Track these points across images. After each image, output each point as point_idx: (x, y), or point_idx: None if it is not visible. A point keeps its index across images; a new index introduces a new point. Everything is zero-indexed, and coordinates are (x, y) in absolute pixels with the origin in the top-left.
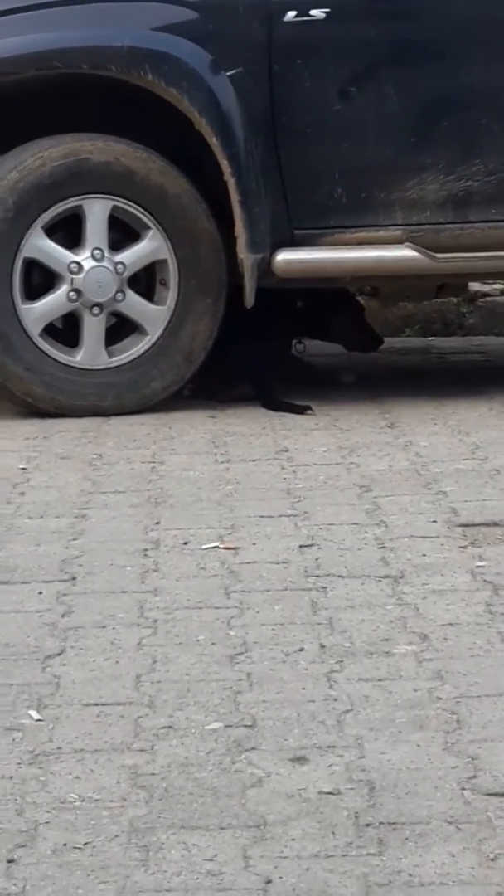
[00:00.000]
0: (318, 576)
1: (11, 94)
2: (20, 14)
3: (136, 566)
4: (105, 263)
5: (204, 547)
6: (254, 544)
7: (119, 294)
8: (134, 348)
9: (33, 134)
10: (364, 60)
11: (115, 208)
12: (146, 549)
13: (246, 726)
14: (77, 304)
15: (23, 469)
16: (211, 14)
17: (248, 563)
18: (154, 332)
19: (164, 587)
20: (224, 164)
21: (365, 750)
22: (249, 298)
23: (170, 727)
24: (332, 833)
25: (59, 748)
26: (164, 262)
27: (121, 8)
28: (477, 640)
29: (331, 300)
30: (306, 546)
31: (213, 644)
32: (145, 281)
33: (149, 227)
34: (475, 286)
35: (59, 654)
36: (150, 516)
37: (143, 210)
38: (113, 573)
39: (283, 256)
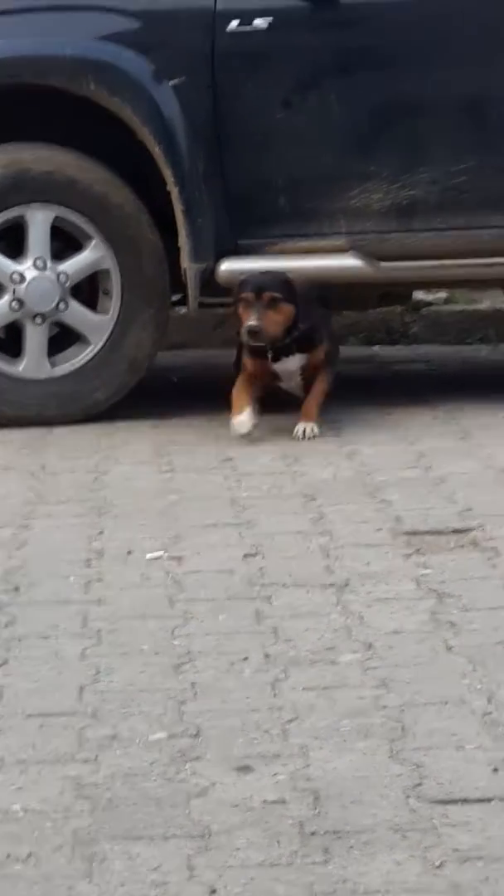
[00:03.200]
0: (262, 585)
1: None
2: None
3: (79, 576)
4: (47, 273)
5: (148, 557)
6: (198, 554)
7: (62, 304)
8: (77, 358)
9: None
10: (307, 70)
11: (57, 218)
12: (90, 559)
13: (190, 736)
14: (19, 313)
15: None
16: (154, 23)
17: (192, 572)
18: (97, 342)
19: (108, 597)
20: (167, 173)
21: (310, 758)
22: (193, 307)
23: (113, 737)
24: (278, 842)
25: (2, 758)
26: (106, 271)
27: (64, 17)
28: (421, 649)
29: None
30: (251, 555)
31: (157, 654)
32: (88, 290)
33: (91, 237)
34: (419, 295)
35: (2, 665)
36: (93, 526)
37: (85, 219)
38: (56, 583)
39: (227, 266)
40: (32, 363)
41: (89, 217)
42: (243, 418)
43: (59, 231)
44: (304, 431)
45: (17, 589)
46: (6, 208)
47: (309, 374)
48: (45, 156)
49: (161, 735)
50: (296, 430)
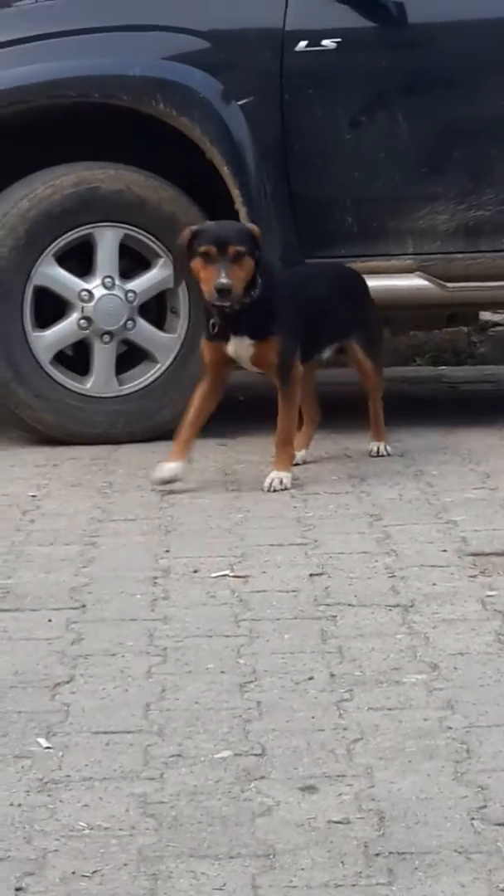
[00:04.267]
0: (328, 604)
1: (25, 123)
2: (34, 43)
3: (145, 594)
4: (116, 291)
5: (214, 575)
6: (264, 573)
7: (129, 322)
8: (144, 376)
9: (45, 162)
10: (375, 90)
11: (126, 236)
12: (156, 577)
13: (255, 755)
14: (88, 331)
15: (33, 496)
16: (223, 43)
17: (257, 591)
18: (164, 360)
19: (174, 615)
20: (235, 192)
21: (375, 779)
22: None
23: (179, 755)
24: (342, 862)
25: (68, 776)
26: (174, 290)
27: (133, 37)
28: (487, 670)
29: None
30: (316, 575)
31: (222, 672)
32: (156, 309)
33: (160, 256)
34: (486, 316)
35: (68, 682)
36: (160, 544)
37: (153, 238)
38: (123, 601)
39: None
40: (100, 381)
41: (158, 236)
42: (170, 464)
43: (127, 249)
44: (271, 483)
45: (83, 606)
46: (76, 227)
47: (265, 369)
48: (114, 175)
49: (226, 753)
50: (266, 482)
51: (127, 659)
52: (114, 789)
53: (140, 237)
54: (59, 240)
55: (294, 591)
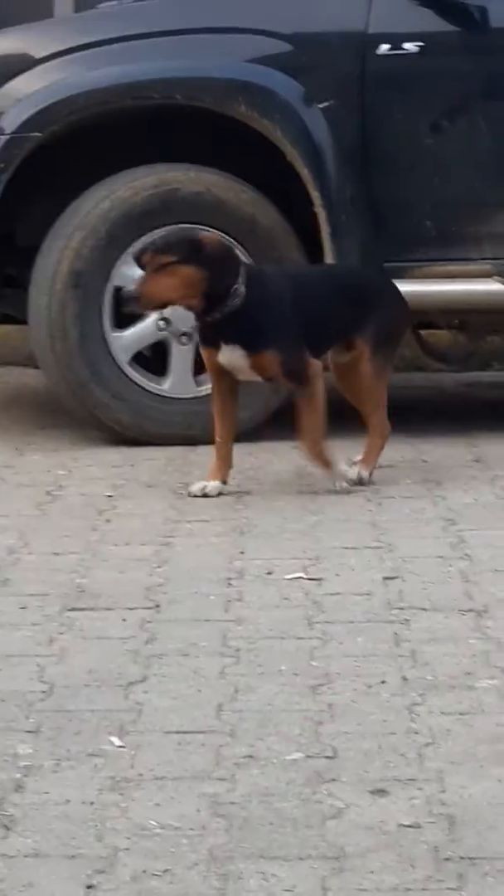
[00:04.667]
0: (401, 608)
1: (107, 124)
2: (118, 44)
3: (219, 595)
4: None
5: (288, 577)
6: (337, 575)
7: None
8: None
9: (126, 163)
10: (456, 94)
11: None
12: (230, 579)
13: (327, 757)
14: (166, 332)
15: (109, 496)
16: (304, 46)
17: (331, 594)
18: None
19: (248, 616)
20: (315, 195)
21: (446, 784)
22: None
23: (250, 756)
24: (412, 866)
25: (140, 775)
26: None
27: (216, 40)
28: None
29: None
30: (390, 578)
31: (295, 674)
32: None
33: None
34: None
35: (141, 682)
36: (234, 545)
37: (233, 240)
38: (197, 601)
39: None
40: (178, 382)
41: (237, 238)
42: (210, 483)
43: None
44: (351, 479)
45: (157, 606)
46: (156, 228)
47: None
48: (194, 177)
49: (297, 755)
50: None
51: (200, 659)
52: (185, 789)
53: None
54: (139, 240)
55: (367, 594)
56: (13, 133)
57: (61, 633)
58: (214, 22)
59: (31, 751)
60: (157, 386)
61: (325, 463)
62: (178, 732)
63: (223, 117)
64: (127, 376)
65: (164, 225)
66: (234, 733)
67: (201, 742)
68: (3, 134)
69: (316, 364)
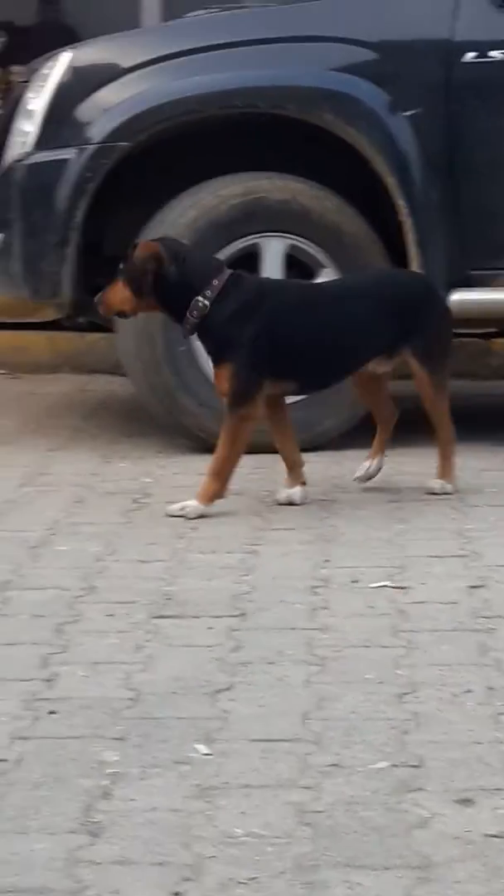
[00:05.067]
0: (487, 617)
1: (193, 133)
2: (204, 53)
3: (305, 603)
4: None
5: (373, 585)
6: (423, 584)
7: None
8: None
9: (212, 172)
10: None
11: (291, 247)
12: (316, 587)
13: (412, 766)
14: None
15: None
16: (390, 55)
17: (417, 602)
18: None
19: (333, 625)
20: (400, 203)
21: None
22: None
23: (336, 765)
24: (498, 876)
25: (226, 783)
26: None
27: (301, 48)
28: None
29: None
30: (475, 587)
31: (380, 683)
32: None
33: (324, 266)
34: None
35: (227, 689)
36: (320, 553)
37: (319, 248)
38: (282, 609)
39: (459, 297)
40: None
41: (323, 246)
42: (291, 490)
43: (292, 259)
44: (175, 510)
45: (243, 614)
46: (242, 237)
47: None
48: (280, 185)
49: (383, 764)
50: (173, 507)
51: (286, 667)
52: (271, 797)
53: (305, 247)
54: (225, 249)
55: (453, 602)
56: (100, 143)
57: (148, 641)
58: (300, 31)
59: (117, 758)
60: None
61: (208, 492)
62: (263, 740)
63: (309, 126)
64: (214, 385)
65: (250, 234)
66: (319, 742)
67: (287, 750)
68: (90, 143)
69: (258, 404)
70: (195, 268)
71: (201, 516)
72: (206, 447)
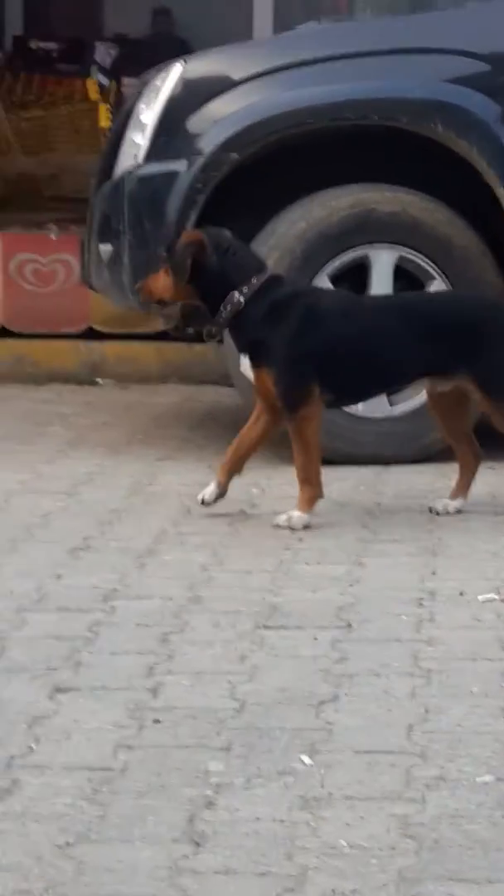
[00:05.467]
0: None
1: (305, 144)
2: (315, 66)
3: (411, 615)
4: None
5: (480, 598)
6: None
7: None
8: (416, 397)
9: (323, 183)
10: None
11: (400, 258)
12: (422, 599)
13: None
14: None
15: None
16: (502, 66)
17: None
18: None
19: (439, 637)
20: None
21: None
22: None
23: (441, 778)
24: None
25: (330, 794)
26: None
27: (411, 60)
28: None
29: None
30: None
31: (486, 696)
32: None
33: (434, 278)
34: None
35: (332, 701)
36: (426, 566)
37: (428, 260)
38: (388, 621)
39: None
40: (371, 402)
41: (432, 258)
42: (210, 487)
43: (400, 271)
44: (280, 521)
45: (349, 626)
46: (351, 248)
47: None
48: (390, 197)
49: (488, 778)
50: (278, 518)
51: (391, 679)
52: (375, 809)
53: (415, 259)
54: (335, 260)
55: None
56: (211, 154)
57: (253, 651)
58: (411, 42)
59: (222, 768)
60: (350, 406)
61: (306, 499)
62: (368, 752)
63: (421, 137)
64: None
65: (360, 245)
66: (424, 754)
67: (391, 762)
68: (201, 155)
69: (315, 405)
70: (237, 262)
71: (307, 526)
72: (341, 457)
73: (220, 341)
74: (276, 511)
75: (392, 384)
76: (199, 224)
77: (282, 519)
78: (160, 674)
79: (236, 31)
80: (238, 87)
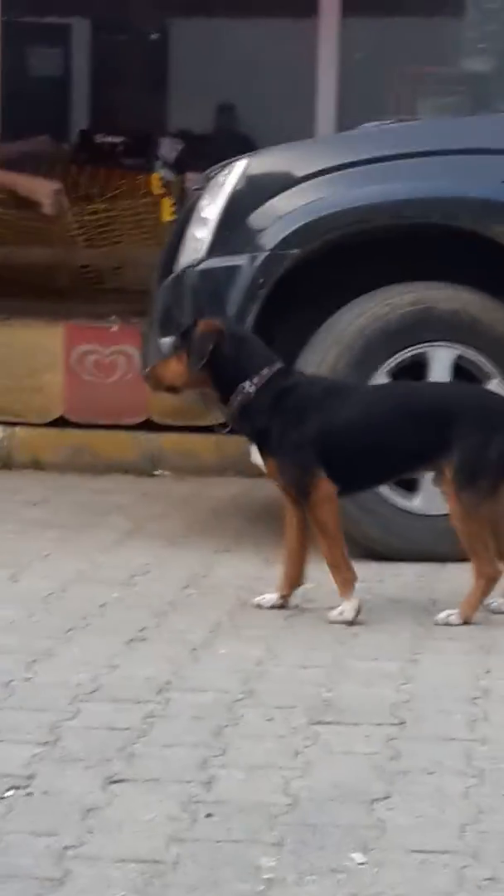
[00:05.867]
0: None
1: (365, 242)
2: (378, 164)
3: (464, 714)
4: None
5: None
6: None
7: None
8: None
9: (381, 281)
10: None
11: (459, 356)
12: (476, 698)
13: None
14: None
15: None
16: None
17: None
18: None
19: (493, 737)
20: None
21: None
22: None
23: (493, 879)
24: None
25: (382, 892)
26: None
27: (472, 160)
28: None
29: None
30: None
31: None
32: None
33: (492, 377)
34: None
35: (385, 798)
36: (480, 664)
37: (487, 358)
38: (442, 719)
39: None
40: (428, 498)
41: (491, 357)
42: (271, 596)
43: (458, 368)
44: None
45: (403, 723)
46: (411, 346)
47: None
48: (450, 295)
49: None
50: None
51: (444, 778)
52: None
53: (473, 357)
54: (394, 357)
55: None
56: (273, 250)
57: (307, 747)
58: (471, 143)
59: (273, 863)
60: (407, 502)
61: (344, 583)
62: (420, 851)
63: (481, 237)
64: (378, 492)
65: (419, 343)
66: (477, 855)
67: (444, 862)
68: (263, 251)
69: (324, 487)
70: (250, 353)
71: (358, 612)
72: (369, 553)
73: (231, 431)
74: (331, 606)
75: (392, 474)
76: (259, 317)
77: (334, 614)
78: (213, 767)
79: (299, 129)
80: (301, 184)
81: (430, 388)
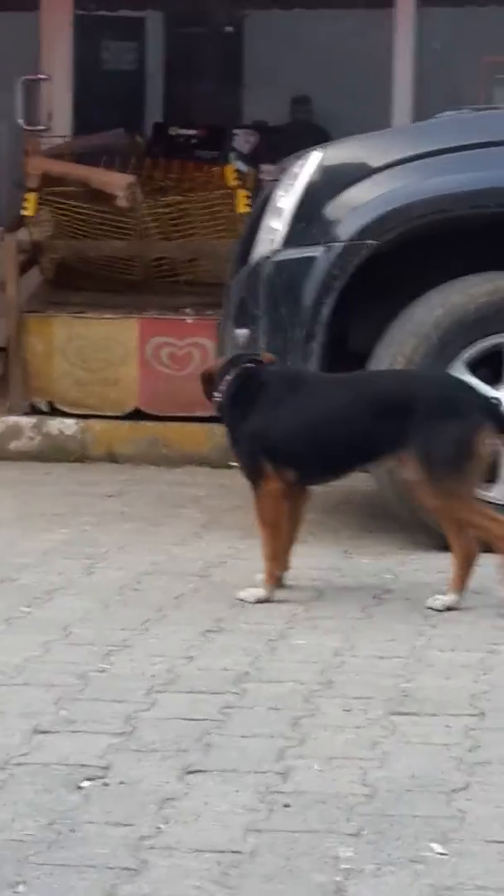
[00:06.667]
0: None
1: (443, 231)
2: (455, 154)
3: None
4: None
5: None
6: None
7: None
8: None
9: (461, 270)
10: None
11: None
12: None
13: None
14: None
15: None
16: None
17: None
18: None
19: None
20: None
21: None
22: None
23: None
24: None
25: (461, 883)
26: None
27: None
28: None
29: None
30: None
31: None
32: None
33: None
34: None
35: (464, 789)
36: None
37: None
38: None
39: None
40: None
41: None
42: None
43: None
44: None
45: (482, 714)
46: (488, 335)
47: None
48: None
49: None
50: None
51: None
52: None
53: None
54: (471, 347)
55: None
56: (348, 241)
57: (384, 738)
58: None
59: (351, 854)
60: (486, 493)
61: (268, 573)
62: (500, 842)
63: None
64: None
65: (497, 333)
66: None
67: None
68: (338, 241)
69: (269, 482)
70: (221, 369)
71: (259, 602)
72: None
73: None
74: (408, 597)
75: (353, 464)
76: (335, 308)
77: (245, 594)
78: (291, 758)
79: (375, 120)
80: (376, 174)
81: (386, 377)
